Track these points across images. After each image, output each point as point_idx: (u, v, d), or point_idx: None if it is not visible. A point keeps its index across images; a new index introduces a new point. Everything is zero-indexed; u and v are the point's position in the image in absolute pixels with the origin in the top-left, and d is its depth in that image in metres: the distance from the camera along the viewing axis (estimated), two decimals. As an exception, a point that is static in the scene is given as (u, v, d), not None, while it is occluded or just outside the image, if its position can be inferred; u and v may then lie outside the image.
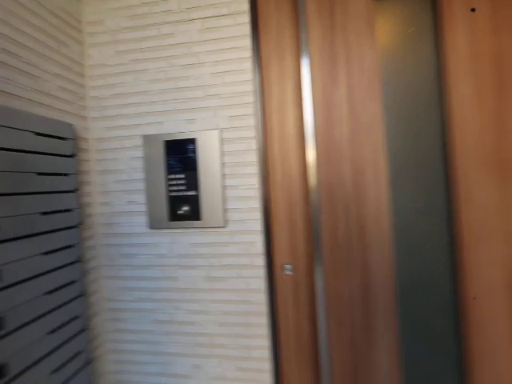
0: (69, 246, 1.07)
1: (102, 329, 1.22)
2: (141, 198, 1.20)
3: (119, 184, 1.22)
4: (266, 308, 1.13)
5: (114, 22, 1.21)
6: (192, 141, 1.15)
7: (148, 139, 1.18)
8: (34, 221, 0.94)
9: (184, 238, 1.17)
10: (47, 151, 1.00)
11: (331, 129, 1.10)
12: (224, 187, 1.14)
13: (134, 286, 1.20)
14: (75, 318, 1.07)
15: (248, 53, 1.12)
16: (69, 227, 1.08)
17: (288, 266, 1.13)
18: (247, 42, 1.12)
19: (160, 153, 1.16)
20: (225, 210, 1.14)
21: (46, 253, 0.97)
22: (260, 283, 1.13)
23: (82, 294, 1.12)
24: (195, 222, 1.15)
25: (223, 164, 1.14)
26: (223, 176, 1.14)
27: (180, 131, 1.17)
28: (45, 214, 0.98)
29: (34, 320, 0.90)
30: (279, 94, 1.14)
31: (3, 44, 0.88)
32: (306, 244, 1.12)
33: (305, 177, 1.12)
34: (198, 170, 1.14)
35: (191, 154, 1.15)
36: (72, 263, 1.08)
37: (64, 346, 1.01)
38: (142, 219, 1.19)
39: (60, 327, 1.00)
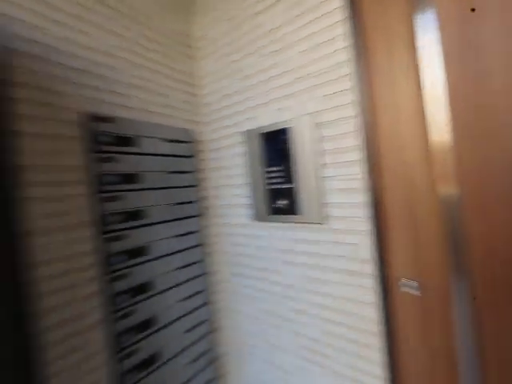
0: (192, 232, 1.31)
1: (222, 305, 1.42)
2: (244, 191, 1.26)
3: (226, 179, 1.35)
4: (378, 328, 0.90)
5: (215, 32, 1.32)
6: (285, 130, 1.07)
7: (246, 135, 1.22)
8: (170, 209, 1.20)
9: (282, 232, 1.13)
10: (175, 153, 1.25)
11: (480, 92, 0.68)
12: (322, 178, 1.00)
13: (242, 272, 1.31)
14: (200, 291, 1.30)
15: (339, 15, 0.90)
16: (192, 216, 1.31)
17: (411, 283, 0.84)
18: (336, 2, 0.90)
19: (257, 146, 1.17)
20: (323, 205, 1.00)
21: (177, 236, 1.23)
22: (369, 296, 0.91)
23: (205, 273, 1.34)
24: (293, 217, 1.08)
25: (321, 152, 0.99)
26: (321, 165, 1.00)
27: (274, 122, 1.12)
28: (176, 204, 1.23)
29: (170, 288, 1.17)
30: (387, 57, 0.84)
31: (139, 72, 1.15)
32: (439, 256, 0.79)
33: (432, 162, 0.77)
34: (294, 160, 1.05)
35: (286, 144, 1.07)
36: (195, 246, 1.31)
37: (192, 313, 1.25)
38: (247, 211, 1.26)
39: (188, 297, 1.24)
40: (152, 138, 1.14)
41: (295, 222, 1.09)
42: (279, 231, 1.15)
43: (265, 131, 1.14)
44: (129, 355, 0.96)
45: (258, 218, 1.20)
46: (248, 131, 1.21)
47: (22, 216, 0.77)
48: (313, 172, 1.01)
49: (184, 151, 1.28)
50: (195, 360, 1.23)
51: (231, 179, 1.32)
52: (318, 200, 1.01)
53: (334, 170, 0.97)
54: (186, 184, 1.29)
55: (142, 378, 1.00)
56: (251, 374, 1.30)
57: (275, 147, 1.12)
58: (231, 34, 1.26)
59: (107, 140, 0.97)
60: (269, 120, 1.15)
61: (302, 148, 1.03)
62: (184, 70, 1.36)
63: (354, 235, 0.94)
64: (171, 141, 1.23)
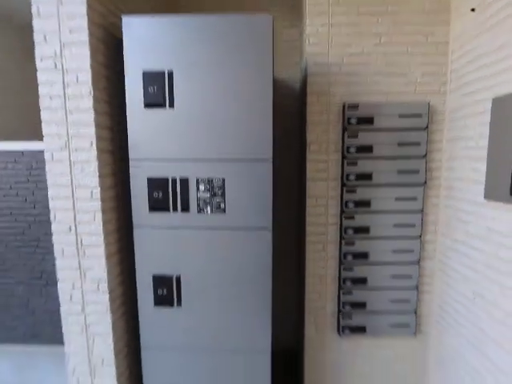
0: (414, 198, 1.47)
1: (429, 272, 1.51)
2: (483, 165, 1.18)
3: (465, 151, 1.30)
4: None
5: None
6: None
7: (497, 102, 1.09)
8: (393, 176, 1.46)
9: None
10: (406, 127, 1.43)
11: None
12: None
13: (463, 251, 1.29)
14: (410, 251, 1.50)
15: None
16: (416, 184, 1.46)
17: None
18: None
19: (511, 116, 1.03)
20: None
21: (397, 199, 1.47)
22: None
23: (419, 236, 1.49)
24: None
25: None
26: None
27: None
28: (400, 172, 1.46)
29: (382, 238, 1.48)
30: None
31: (385, 59, 1.40)
32: None
33: None
34: None
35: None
36: (414, 212, 1.48)
37: (399, 265, 1.50)
38: (481, 188, 1.19)
39: (398, 251, 1.49)
40: (387, 115, 1.41)
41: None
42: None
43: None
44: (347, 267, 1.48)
45: (496, 197, 1.10)
46: (501, 98, 1.08)
47: (304, 170, 1.46)
48: None
49: (415, 124, 1.41)
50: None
51: (471, 151, 1.26)
52: None
53: None
54: (415, 155, 1.44)
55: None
56: (449, 346, 1.35)
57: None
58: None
59: (353, 121, 1.40)
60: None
61: None
62: (435, 40, 1.40)
63: None
64: (403, 116, 1.41)
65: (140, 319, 1.19)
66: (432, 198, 1.48)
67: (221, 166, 1.07)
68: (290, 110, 1.87)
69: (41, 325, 1.78)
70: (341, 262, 1.48)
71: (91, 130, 0.96)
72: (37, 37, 0.95)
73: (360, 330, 1.51)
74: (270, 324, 1.18)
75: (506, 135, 1.07)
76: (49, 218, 1.67)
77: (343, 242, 1.46)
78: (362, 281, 1.48)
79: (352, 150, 1.41)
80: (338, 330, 1.51)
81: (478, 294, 1.20)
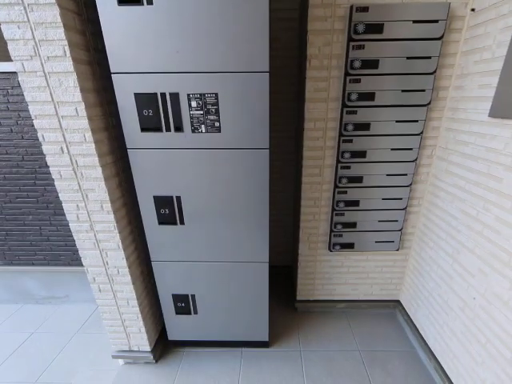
0: (415, 121, 1.45)
1: (421, 194, 1.61)
2: (495, 80, 1.12)
3: (478, 65, 1.21)
4: None
5: None
6: None
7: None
8: (397, 96, 1.40)
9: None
10: (419, 37, 1.29)
11: None
12: None
13: (457, 172, 1.34)
14: (404, 174, 1.55)
15: None
16: (419, 105, 1.41)
17: None
18: None
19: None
20: None
21: (398, 121, 1.45)
22: None
23: (414, 161, 1.52)
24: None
25: None
26: None
27: None
28: (404, 91, 1.39)
29: (380, 162, 1.51)
30: None
31: None
32: None
33: None
34: None
35: None
36: (413, 135, 1.47)
37: (392, 188, 1.58)
38: (487, 106, 1.16)
39: (393, 175, 1.54)
40: (400, 21, 1.26)
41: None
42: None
43: None
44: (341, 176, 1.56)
45: (501, 113, 1.09)
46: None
47: (304, 89, 1.38)
48: None
49: (430, 33, 1.28)
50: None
51: (485, 64, 1.18)
52: None
53: None
54: (423, 71, 1.34)
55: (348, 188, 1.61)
56: (428, 259, 1.54)
57: None
58: None
59: (360, 29, 1.26)
60: None
61: None
62: None
63: None
64: (419, 21, 1.26)
65: (147, 237, 1.30)
66: (433, 121, 1.46)
67: (213, 79, 1.00)
68: (286, 17, 1.66)
69: (58, 249, 1.95)
70: (336, 186, 1.54)
71: (60, 33, 0.86)
72: None
73: (349, 246, 1.69)
74: (268, 237, 1.30)
75: (527, 39, 0.99)
76: (40, 149, 1.64)
77: (339, 165, 1.50)
78: (354, 203, 1.58)
79: (356, 64, 1.31)
80: (329, 247, 1.69)
81: (462, 210, 1.31)
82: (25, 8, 0.84)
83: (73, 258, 1.96)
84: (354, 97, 1.37)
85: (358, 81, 1.34)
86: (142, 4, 0.90)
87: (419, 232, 1.66)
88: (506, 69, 1.07)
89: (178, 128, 1.06)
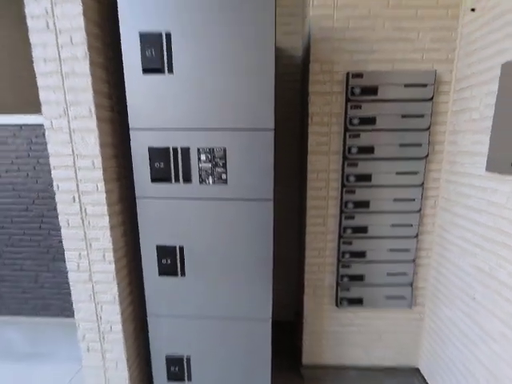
0: (415, 173, 1.52)
1: (428, 246, 1.60)
2: (486, 138, 1.22)
3: (469, 123, 1.33)
4: None
5: None
6: None
7: (507, 67, 1.11)
8: (395, 149, 1.50)
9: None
10: (410, 98, 1.44)
11: None
12: None
13: (463, 224, 1.36)
14: (409, 225, 1.57)
15: None
16: (417, 158, 1.51)
17: None
18: None
19: (519, 82, 1.05)
20: None
21: (398, 173, 1.52)
22: None
23: (418, 211, 1.56)
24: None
25: None
26: None
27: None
28: (402, 145, 1.50)
29: (383, 212, 1.55)
30: None
31: (391, 23, 1.39)
32: None
33: None
34: None
35: None
36: (415, 186, 1.53)
37: (398, 239, 1.58)
38: (483, 161, 1.23)
39: (399, 225, 1.56)
40: (392, 84, 1.42)
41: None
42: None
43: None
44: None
45: (498, 168, 1.15)
46: (509, 62, 1.10)
47: (305, 142, 1.49)
48: None
49: (421, 95, 1.43)
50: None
51: (474, 123, 1.30)
52: None
53: None
54: (418, 127, 1.46)
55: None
56: (447, 318, 1.46)
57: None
58: None
59: (357, 91, 1.42)
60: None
61: None
62: (447, 3, 1.38)
63: None
64: (410, 85, 1.43)
65: (145, 288, 1.28)
66: (433, 173, 1.53)
67: (222, 136, 1.11)
68: (290, 79, 1.87)
69: (50, 298, 1.90)
70: (340, 236, 1.55)
71: (89, 96, 0.99)
72: (25, -6, 0.95)
73: (357, 301, 1.62)
74: (271, 291, 1.27)
75: (510, 104, 1.10)
76: (52, 194, 1.72)
77: (343, 215, 1.53)
78: (360, 254, 1.56)
79: (355, 121, 1.44)
80: (336, 302, 1.63)
81: (475, 266, 1.29)
82: (62, 76, 0.99)
83: (63, 308, 1.89)
84: (354, 150, 1.47)
85: (358, 136, 1.46)
86: (164, 73, 1.05)
87: (431, 287, 1.61)
88: (496, 129, 1.17)
89: (187, 179, 1.13)
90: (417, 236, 1.56)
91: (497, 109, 1.16)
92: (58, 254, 1.82)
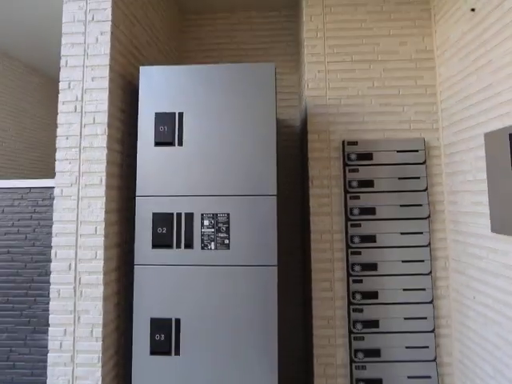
0: (419, 233, 1.52)
1: (446, 313, 1.49)
2: (485, 198, 1.25)
3: (465, 185, 1.39)
4: None
5: (457, 33, 1.40)
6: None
7: (490, 136, 1.21)
8: (396, 210, 1.53)
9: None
10: (404, 162, 1.54)
11: None
12: None
13: (481, 289, 1.29)
14: (422, 289, 1.49)
15: None
16: (419, 218, 1.52)
17: None
18: None
19: (504, 149, 1.14)
20: None
21: (402, 233, 1.52)
22: None
23: (429, 273, 1.50)
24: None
25: None
26: None
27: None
28: (402, 206, 1.53)
29: (392, 275, 1.50)
30: None
31: (379, 100, 1.58)
32: None
33: None
34: None
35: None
36: (421, 246, 1.51)
37: (412, 305, 1.48)
38: (487, 221, 1.25)
39: (411, 289, 1.49)
40: (385, 151, 1.53)
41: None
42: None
43: (516, 132, 1.09)
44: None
45: (503, 230, 1.16)
46: (493, 132, 1.20)
47: (307, 205, 1.53)
48: None
49: (413, 159, 1.53)
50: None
51: (471, 184, 1.35)
52: None
53: None
54: (416, 188, 1.52)
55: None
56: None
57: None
58: (476, 30, 1.29)
59: (353, 157, 1.51)
60: (523, 119, 1.07)
61: None
62: (425, 83, 1.59)
63: None
64: (402, 151, 1.53)
65: (133, 371, 1.13)
66: (438, 232, 1.53)
67: (226, 201, 1.14)
68: (290, 146, 2.02)
69: (20, 380, 1.66)
70: (350, 303, 1.46)
71: (102, 167, 1.05)
72: (62, 85, 1.10)
73: (376, 382, 1.43)
74: (277, 376, 1.12)
75: (499, 170, 1.17)
76: (46, 256, 1.67)
77: (351, 279, 1.46)
78: (373, 324, 1.44)
79: (354, 184, 1.50)
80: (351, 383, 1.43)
81: (503, 338, 1.18)
82: (80, 150, 1.07)
83: (34, 395, 1.64)
84: (356, 211, 1.49)
85: (358, 197, 1.50)
86: (174, 145, 1.14)
87: (458, 363, 1.44)
88: (492, 192, 1.21)
89: (189, 245, 1.12)
90: (432, 301, 1.46)
91: (489, 175, 1.22)
92: (40, 326, 1.67)
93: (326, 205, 1.53)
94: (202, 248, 1.12)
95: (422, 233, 1.50)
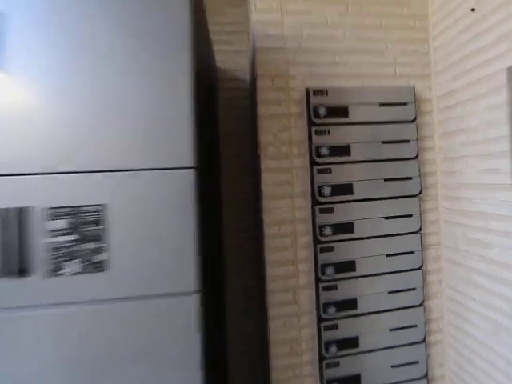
0: (408, 215, 1.15)
1: (440, 314, 1.18)
2: (505, 164, 0.90)
3: (469, 147, 1.03)
4: None
5: None
6: None
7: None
8: (379, 186, 1.13)
9: None
10: (389, 119, 1.13)
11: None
12: None
13: (489, 286, 0.97)
14: (412, 289, 1.15)
15: None
16: (409, 196, 1.15)
17: None
18: None
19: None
20: None
21: (387, 217, 1.14)
22: None
23: (420, 268, 1.16)
24: None
25: None
26: None
27: None
28: (387, 180, 1.14)
29: (374, 275, 1.13)
30: None
31: (354, 32, 1.12)
32: None
33: None
34: None
35: None
36: (410, 233, 1.15)
37: (400, 311, 1.14)
38: (508, 196, 0.89)
39: (398, 291, 1.14)
40: (365, 104, 1.10)
41: None
42: None
43: None
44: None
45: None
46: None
47: (260, 184, 1.06)
48: None
49: (400, 116, 1.13)
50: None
51: (476, 147, 0.99)
52: None
53: None
54: (403, 156, 1.14)
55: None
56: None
57: None
58: None
59: (322, 112, 1.06)
60: None
61: None
62: (413, 13, 1.17)
63: None
64: (386, 104, 1.12)
65: None
66: (429, 213, 1.18)
67: (98, 183, 0.62)
68: (237, 106, 1.50)
69: None
70: (320, 318, 1.06)
71: None
72: None
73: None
74: None
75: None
76: None
77: (321, 286, 1.06)
78: (351, 342, 1.07)
79: (323, 151, 1.06)
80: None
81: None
82: None
83: None
84: (326, 191, 1.06)
85: (329, 170, 1.07)
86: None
87: (453, 376, 1.15)
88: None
89: (23, 270, 0.59)
90: (422, 303, 1.13)
91: (511, 127, 0.85)
92: None
93: (285, 183, 1.08)
94: (52, 273, 0.60)
95: (411, 215, 1.14)
